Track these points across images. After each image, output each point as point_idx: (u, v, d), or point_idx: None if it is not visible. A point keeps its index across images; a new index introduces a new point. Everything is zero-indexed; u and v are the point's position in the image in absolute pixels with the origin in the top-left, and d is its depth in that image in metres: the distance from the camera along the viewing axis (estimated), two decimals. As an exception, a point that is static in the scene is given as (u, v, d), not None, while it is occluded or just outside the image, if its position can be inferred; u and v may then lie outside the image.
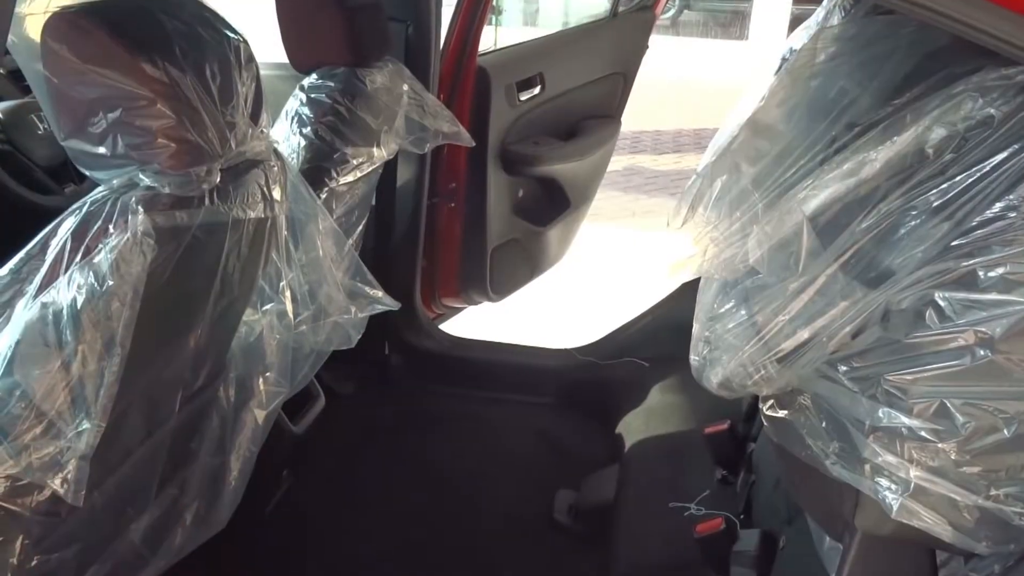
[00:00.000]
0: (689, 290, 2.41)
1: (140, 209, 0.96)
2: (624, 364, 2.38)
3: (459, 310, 2.77)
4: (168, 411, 1.12)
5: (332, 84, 1.73)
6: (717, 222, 1.02)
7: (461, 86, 2.29)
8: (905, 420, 0.78)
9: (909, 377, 0.78)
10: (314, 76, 1.76)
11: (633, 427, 2.15)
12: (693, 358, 1.06)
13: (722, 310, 1.01)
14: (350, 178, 1.79)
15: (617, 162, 6.17)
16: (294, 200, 1.26)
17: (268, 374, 1.30)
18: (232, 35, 1.08)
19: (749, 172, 1.01)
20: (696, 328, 1.08)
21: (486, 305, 2.73)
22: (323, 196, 1.73)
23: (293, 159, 1.70)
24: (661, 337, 2.35)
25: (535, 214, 2.68)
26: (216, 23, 1.08)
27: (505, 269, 2.64)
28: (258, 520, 1.80)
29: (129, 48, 0.95)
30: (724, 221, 1.01)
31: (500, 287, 2.65)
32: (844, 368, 0.85)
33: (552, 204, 2.73)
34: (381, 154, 1.83)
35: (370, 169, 1.84)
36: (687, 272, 1.08)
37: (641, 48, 2.83)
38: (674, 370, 2.23)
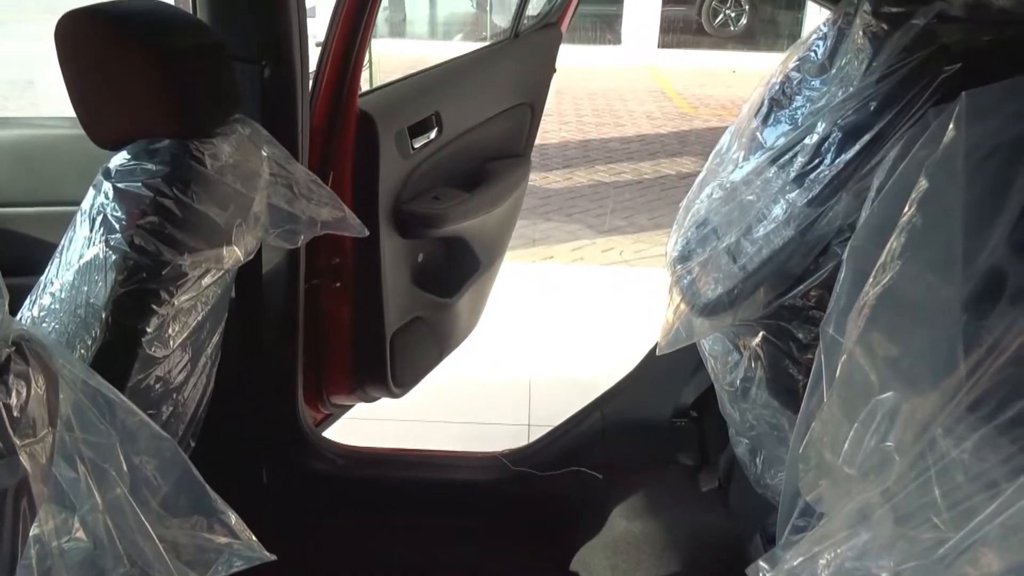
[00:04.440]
0: (644, 379, 1.98)
1: None
2: (570, 475, 1.90)
3: (349, 407, 2.23)
4: None
5: (152, 167, 1.16)
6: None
7: (339, 139, 1.76)
8: None
9: None
10: (125, 155, 1.19)
11: (594, 568, 1.68)
12: None
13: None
14: (192, 293, 1.24)
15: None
16: (77, 422, 0.71)
17: None
18: None
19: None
20: None
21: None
22: (150, 330, 1.17)
23: (98, 283, 1.13)
24: (613, 440, 1.89)
25: (440, 282, 2.17)
26: None
27: (408, 355, 2.12)
28: None
29: None
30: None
31: (403, 378, 2.12)
32: None
33: (459, 267, 2.24)
34: (235, 255, 1.28)
35: (220, 274, 1.30)
36: None
37: (548, 72, 2.39)
38: (638, 485, 1.77)
